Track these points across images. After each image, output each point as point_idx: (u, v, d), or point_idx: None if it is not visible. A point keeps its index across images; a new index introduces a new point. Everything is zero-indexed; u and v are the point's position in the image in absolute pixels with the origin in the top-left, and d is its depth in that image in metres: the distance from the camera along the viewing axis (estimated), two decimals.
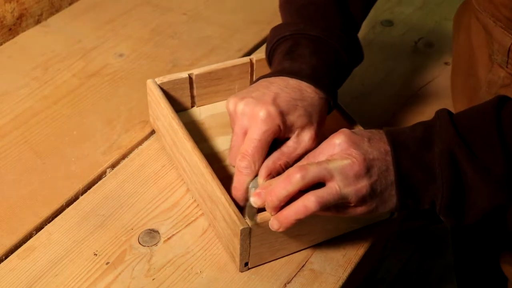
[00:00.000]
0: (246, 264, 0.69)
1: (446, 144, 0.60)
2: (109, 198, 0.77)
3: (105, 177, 0.81)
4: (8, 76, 0.97)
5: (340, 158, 0.61)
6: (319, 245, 0.72)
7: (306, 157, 0.66)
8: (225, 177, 0.70)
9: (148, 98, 0.84)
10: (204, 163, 0.70)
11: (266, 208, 0.63)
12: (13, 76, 0.97)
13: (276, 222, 0.62)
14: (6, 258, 0.70)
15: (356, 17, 0.81)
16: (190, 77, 0.84)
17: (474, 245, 1.06)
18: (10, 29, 1.06)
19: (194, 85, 0.85)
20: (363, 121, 0.79)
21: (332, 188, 0.60)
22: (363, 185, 0.61)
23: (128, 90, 0.95)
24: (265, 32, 1.08)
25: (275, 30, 0.78)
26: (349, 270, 0.70)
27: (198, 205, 0.76)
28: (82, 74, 0.98)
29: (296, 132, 0.70)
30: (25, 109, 0.91)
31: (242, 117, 0.69)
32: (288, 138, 0.70)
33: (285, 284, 0.68)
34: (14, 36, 1.06)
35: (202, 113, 0.87)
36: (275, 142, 0.69)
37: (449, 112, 0.63)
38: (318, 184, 0.61)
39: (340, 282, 0.69)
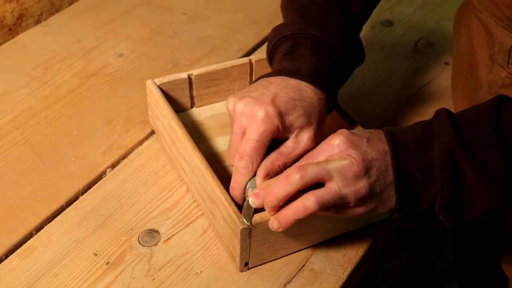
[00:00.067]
0: (246, 264, 0.69)
1: (446, 144, 0.60)
2: (109, 198, 0.77)
3: (105, 177, 0.81)
4: (8, 76, 0.97)
5: (339, 159, 0.61)
6: (319, 245, 0.72)
7: (305, 157, 0.66)
8: (225, 177, 0.70)
9: (148, 98, 0.84)
10: (204, 163, 0.70)
11: (265, 208, 0.63)
12: (13, 76, 0.97)
13: (275, 222, 0.62)
14: (6, 258, 0.70)
15: (357, 17, 0.81)
16: (189, 78, 0.84)
17: (474, 245, 1.06)
18: (10, 29, 1.06)
19: (194, 86, 0.85)
20: (363, 121, 0.79)
21: (332, 188, 0.60)
22: (362, 185, 0.60)
23: (128, 90, 0.95)
24: (265, 32, 1.08)
25: (276, 29, 0.78)
26: (349, 270, 0.70)
27: (198, 205, 0.76)
28: (82, 74, 0.98)
29: (295, 133, 0.70)
30: (25, 109, 0.91)
31: (241, 116, 0.69)
32: (286, 139, 0.70)
33: (285, 284, 0.68)
34: (14, 36, 1.07)
35: (201, 113, 0.87)
36: (274, 142, 0.69)
37: (448, 111, 0.63)
38: (317, 184, 0.61)
39: (340, 282, 0.69)
